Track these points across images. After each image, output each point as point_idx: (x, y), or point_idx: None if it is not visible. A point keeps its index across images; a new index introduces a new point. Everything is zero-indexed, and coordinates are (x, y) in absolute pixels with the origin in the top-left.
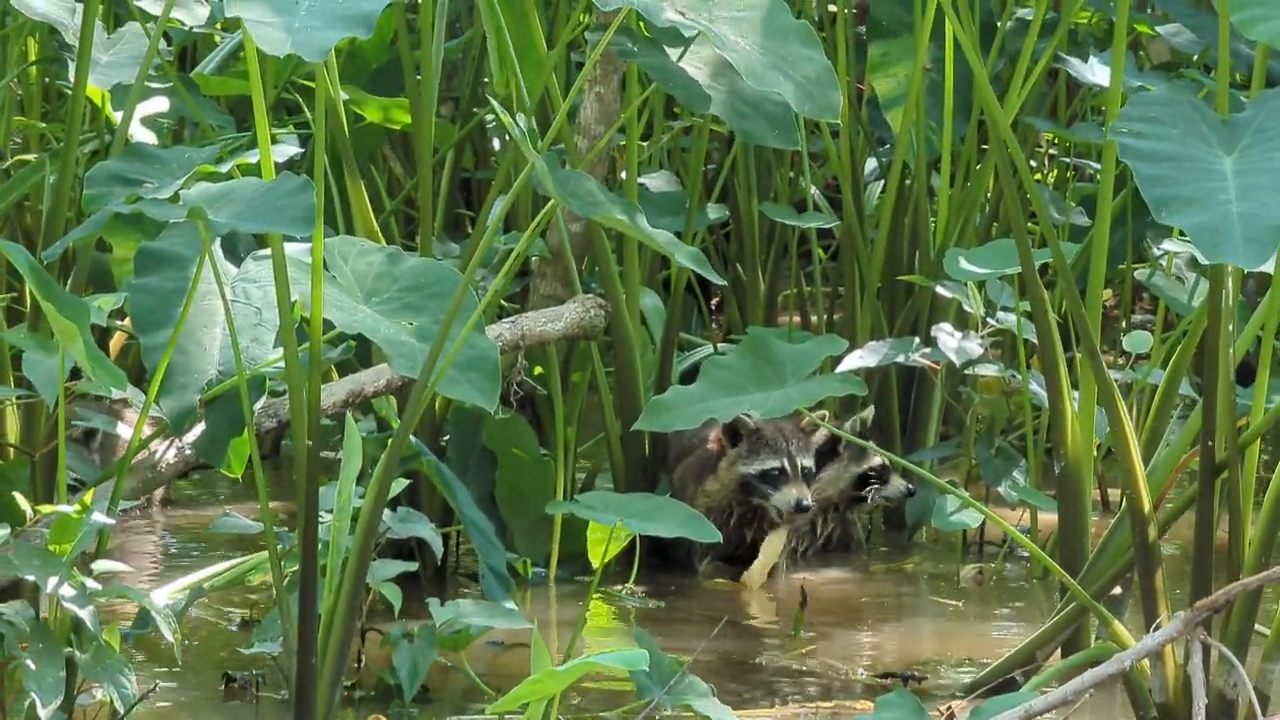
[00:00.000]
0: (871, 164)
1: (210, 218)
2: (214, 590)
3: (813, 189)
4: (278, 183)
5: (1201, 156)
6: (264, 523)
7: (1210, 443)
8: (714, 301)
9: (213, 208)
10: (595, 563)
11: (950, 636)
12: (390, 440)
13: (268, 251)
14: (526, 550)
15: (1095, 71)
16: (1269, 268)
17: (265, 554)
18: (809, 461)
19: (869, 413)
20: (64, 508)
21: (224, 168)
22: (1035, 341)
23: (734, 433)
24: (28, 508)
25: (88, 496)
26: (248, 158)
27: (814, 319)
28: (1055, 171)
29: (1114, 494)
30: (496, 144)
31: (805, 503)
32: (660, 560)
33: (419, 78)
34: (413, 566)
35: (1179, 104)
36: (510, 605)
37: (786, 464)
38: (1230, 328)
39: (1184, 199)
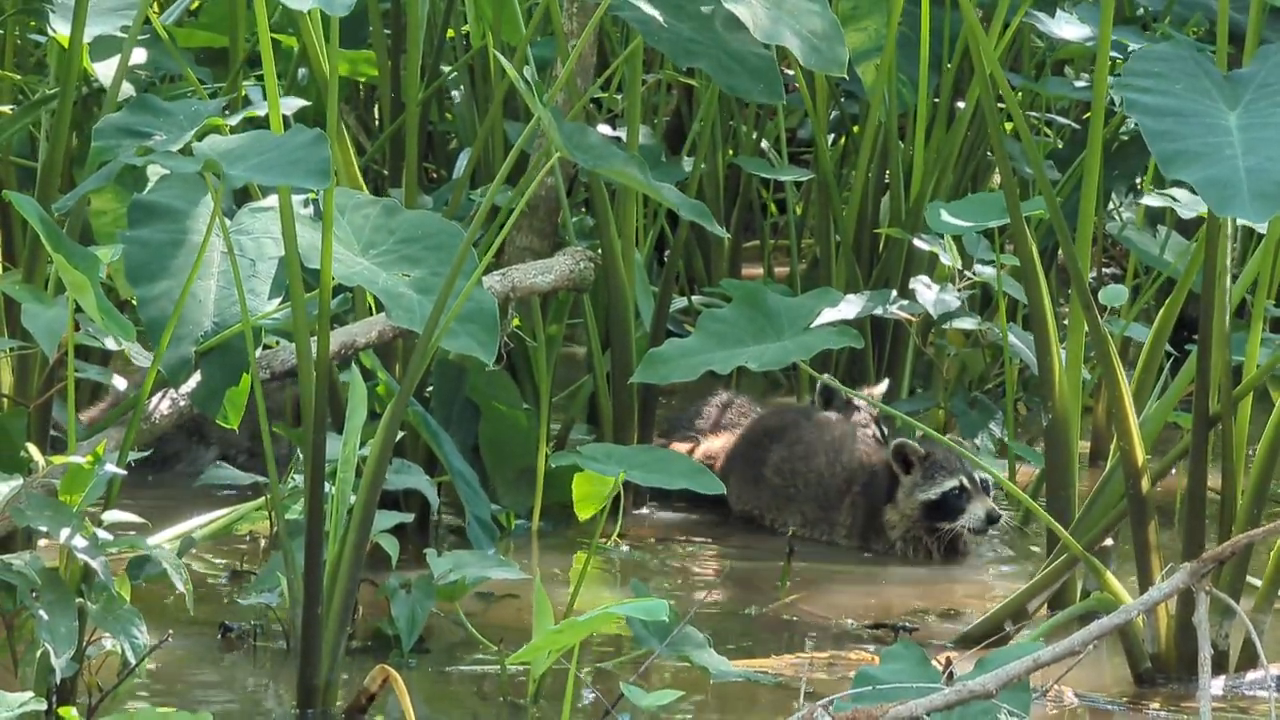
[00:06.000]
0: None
1: (226, 170)
2: (203, 540)
3: (765, 144)
4: (291, 136)
5: (1206, 111)
6: (268, 473)
7: (1204, 395)
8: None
9: (226, 160)
10: (582, 516)
11: (932, 588)
12: (382, 390)
13: (261, 203)
14: (510, 502)
15: (1063, 26)
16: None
17: (254, 504)
18: (983, 472)
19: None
20: (75, 458)
21: (232, 120)
22: (1014, 295)
23: (904, 460)
24: (39, 458)
25: (100, 447)
26: (255, 109)
27: (778, 271)
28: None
29: (1083, 445)
30: (456, 96)
31: (995, 513)
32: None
33: (387, 31)
34: (409, 517)
35: (1181, 59)
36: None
37: (965, 480)
38: (1226, 281)
39: (1190, 153)
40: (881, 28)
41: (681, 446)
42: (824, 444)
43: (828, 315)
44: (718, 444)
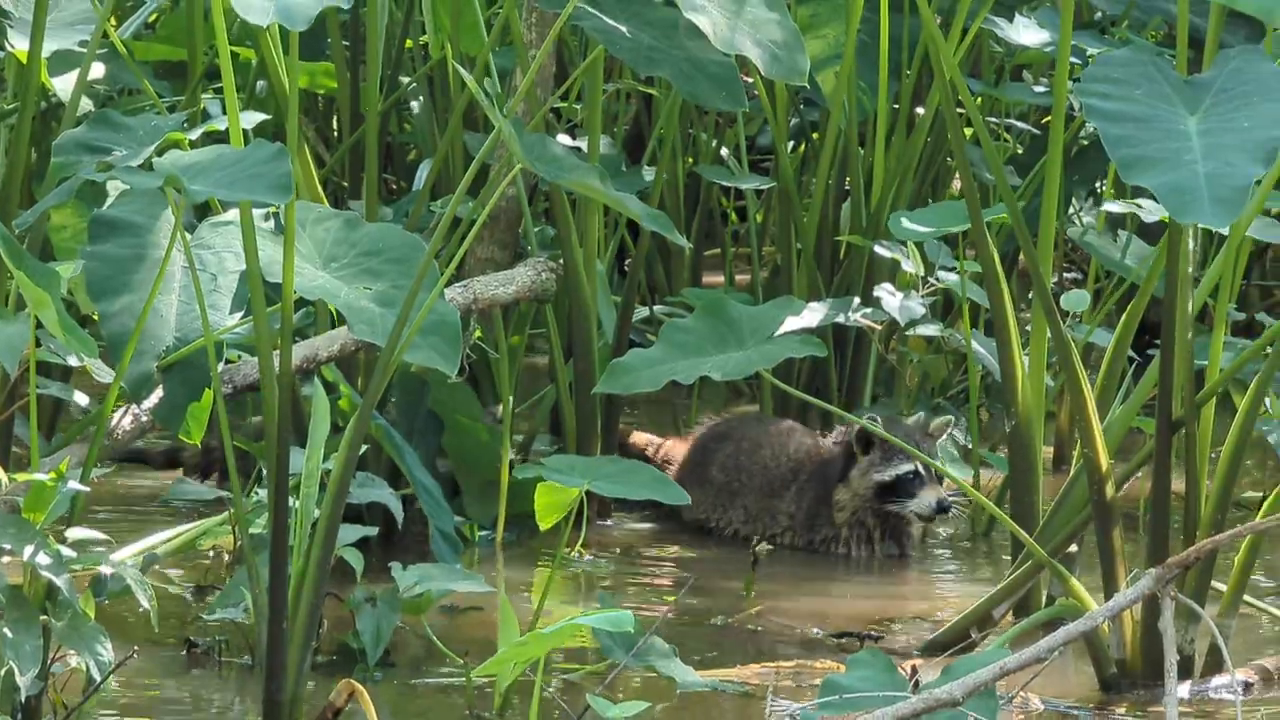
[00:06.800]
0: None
1: (187, 186)
2: (167, 556)
3: (725, 152)
4: (251, 151)
5: (1165, 117)
6: (232, 487)
7: (1167, 400)
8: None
9: (187, 176)
10: (544, 527)
11: (896, 596)
12: (344, 403)
13: (222, 217)
14: (475, 513)
15: (1022, 32)
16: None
17: (218, 518)
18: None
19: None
20: (39, 475)
21: (192, 135)
22: (976, 301)
23: (865, 441)
24: (2, 476)
25: (63, 464)
26: (215, 124)
27: (739, 279)
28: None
29: (1046, 451)
30: (415, 107)
31: (946, 502)
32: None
33: (345, 43)
34: (373, 531)
35: (1141, 64)
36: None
37: (920, 466)
38: (1188, 286)
39: (1150, 159)
40: (840, 35)
41: (640, 439)
42: (770, 437)
43: (791, 324)
44: (680, 450)
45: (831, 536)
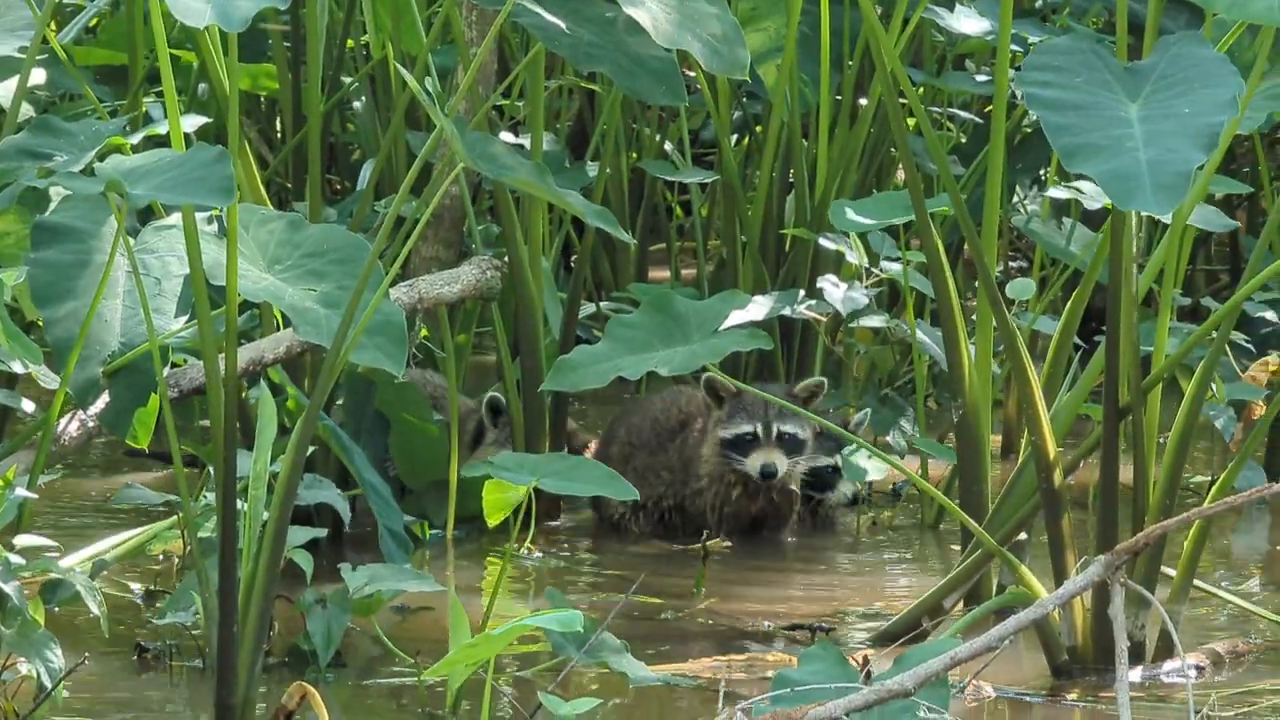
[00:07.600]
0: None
1: (129, 190)
2: (116, 561)
3: (668, 146)
4: (193, 154)
5: (1107, 104)
6: (179, 491)
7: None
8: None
9: (129, 180)
10: (492, 523)
11: (847, 588)
12: (291, 405)
13: (165, 221)
14: (420, 513)
15: (963, 21)
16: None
17: (167, 523)
18: (793, 428)
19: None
20: None
21: (134, 139)
22: (921, 291)
23: (715, 395)
24: None
25: (10, 471)
26: (157, 127)
27: (684, 274)
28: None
29: (994, 440)
30: (357, 106)
31: (771, 468)
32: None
33: (286, 44)
34: (322, 532)
35: (1081, 52)
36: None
37: (760, 429)
38: (1132, 272)
39: (1092, 147)
40: (781, 28)
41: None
42: (664, 395)
43: (736, 317)
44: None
45: (697, 490)
